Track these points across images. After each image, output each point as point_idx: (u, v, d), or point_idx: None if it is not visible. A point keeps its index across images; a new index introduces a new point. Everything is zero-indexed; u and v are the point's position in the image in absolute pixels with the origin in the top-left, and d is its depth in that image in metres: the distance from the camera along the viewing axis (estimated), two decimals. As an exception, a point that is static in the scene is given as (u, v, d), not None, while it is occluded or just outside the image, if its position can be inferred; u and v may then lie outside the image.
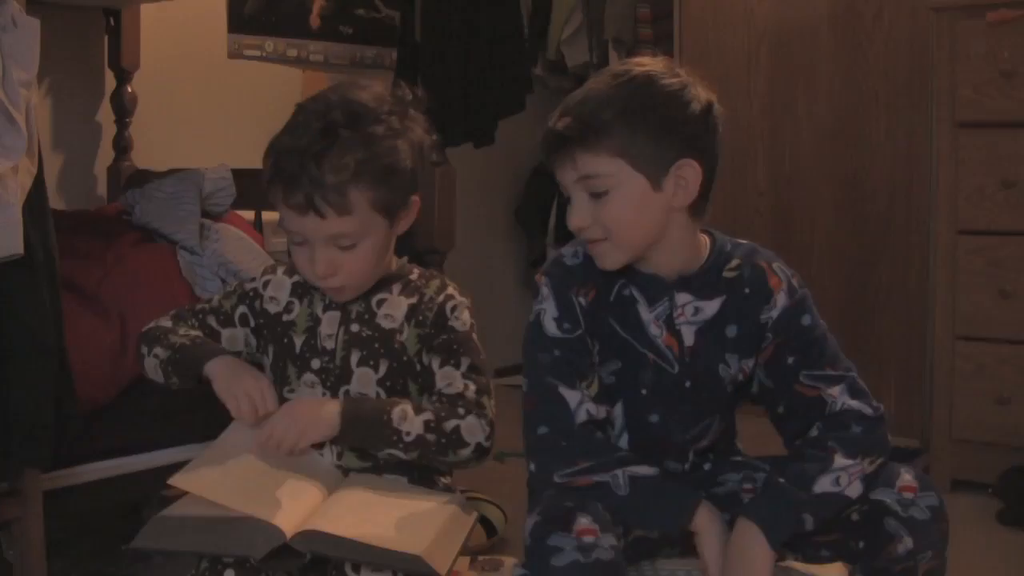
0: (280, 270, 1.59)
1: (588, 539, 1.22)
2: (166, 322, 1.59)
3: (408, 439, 1.42)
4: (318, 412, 1.44)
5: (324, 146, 1.41)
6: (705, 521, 1.31)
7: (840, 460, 1.31)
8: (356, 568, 1.30)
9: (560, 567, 1.21)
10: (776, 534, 1.28)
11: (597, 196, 1.33)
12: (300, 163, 1.40)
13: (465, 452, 1.44)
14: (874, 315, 3.24)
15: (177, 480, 1.39)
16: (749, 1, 3.40)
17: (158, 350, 1.54)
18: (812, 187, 3.33)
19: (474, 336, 1.52)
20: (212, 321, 1.59)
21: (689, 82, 1.36)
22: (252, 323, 1.58)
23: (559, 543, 1.22)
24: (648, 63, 1.37)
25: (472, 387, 1.47)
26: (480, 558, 1.62)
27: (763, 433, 1.55)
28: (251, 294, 1.58)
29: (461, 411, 1.45)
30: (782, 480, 1.31)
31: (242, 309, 1.58)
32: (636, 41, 3.88)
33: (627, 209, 1.33)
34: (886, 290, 3.22)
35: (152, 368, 1.56)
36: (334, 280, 1.46)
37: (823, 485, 1.29)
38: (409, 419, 1.42)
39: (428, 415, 1.43)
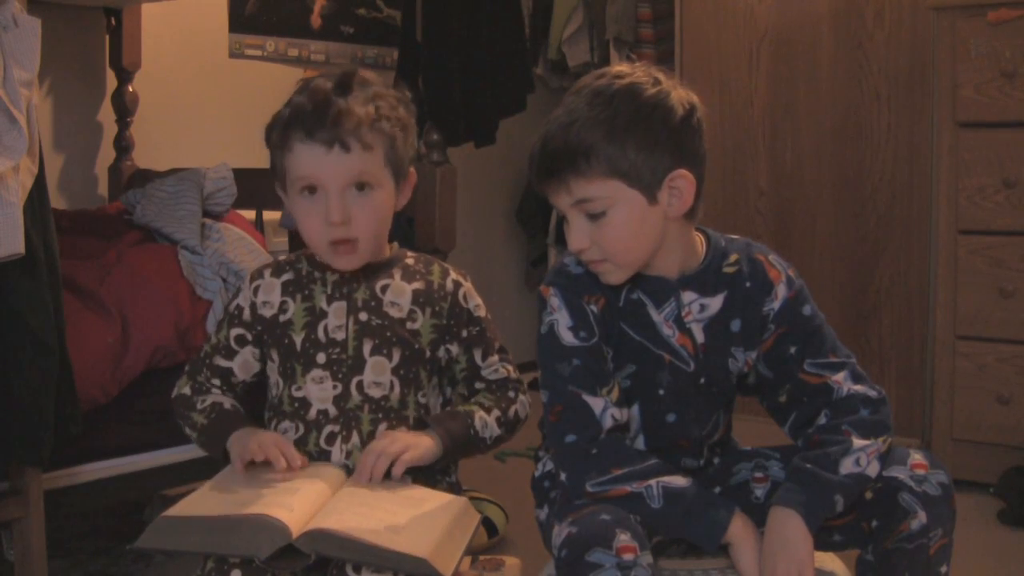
0: (267, 272, 1.58)
1: (628, 557, 1.22)
2: (186, 389, 1.60)
3: (491, 442, 1.54)
4: (416, 439, 1.46)
5: (346, 89, 1.48)
6: (740, 532, 1.31)
7: (858, 442, 1.33)
8: (357, 568, 1.30)
9: None
10: (814, 517, 1.29)
11: (594, 218, 1.33)
12: (327, 98, 1.46)
13: (519, 427, 1.59)
14: (874, 314, 3.24)
15: (171, 511, 1.38)
16: (750, 0, 3.40)
17: (187, 429, 1.59)
18: (813, 187, 3.33)
19: (489, 316, 1.60)
20: (219, 361, 1.59)
21: (669, 88, 1.34)
22: (251, 336, 1.57)
23: (599, 560, 1.22)
24: (627, 73, 1.35)
25: (510, 368, 1.60)
26: (481, 558, 1.62)
27: (758, 433, 1.55)
28: (236, 312, 1.58)
29: (512, 394, 1.58)
30: (809, 465, 1.32)
31: (236, 332, 1.58)
32: (637, 41, 3.88)
33: (626, 228, 1.33)
34: (886, 290, 3.22)
35: (191, 438, 1.60)
36: (346, 230, 1.47)
37: (847, 466, 1.32)
38: (488, 425, 1.53)
39: (497, 412, 1.54)
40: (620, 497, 1.31)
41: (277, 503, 1.34)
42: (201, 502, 1.38)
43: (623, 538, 1.23)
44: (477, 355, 1.57)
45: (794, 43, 3.34)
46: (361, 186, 1.47)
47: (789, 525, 1.29)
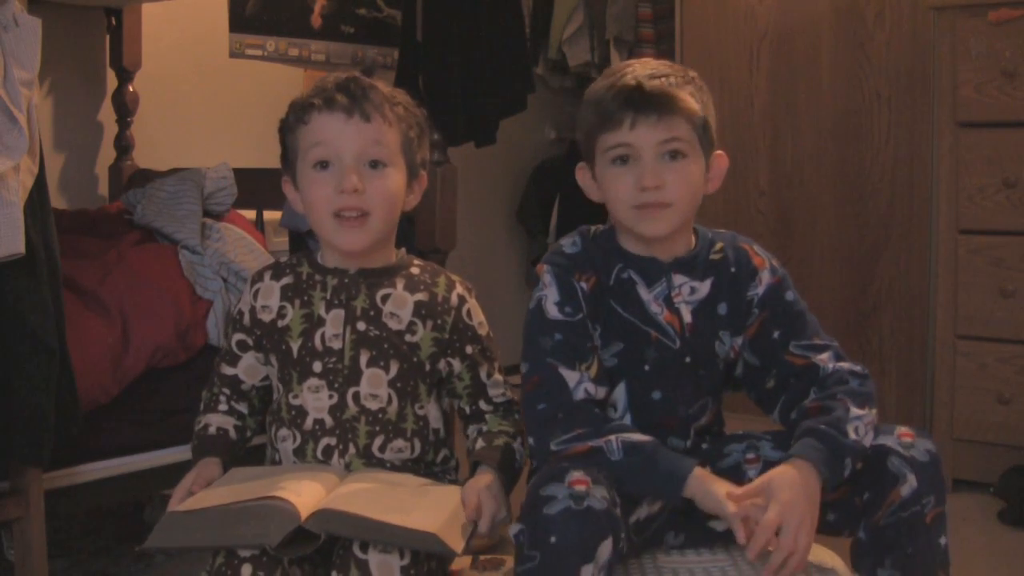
0: (267, 275, 1.57)
1: (580, 488, 1.24)
2: (201, 404, 1.61)
3: (523, 467, 1.55)
4: (495, 490, 1.45)
5: (369, 74, 1.51)
6: (700, 484, 1.31)
7: (854, 410, 1.35)
8: (364, 548, 1.29)
9: (552, 515, 1.22)
10: (831, 476, 1.30)
11: (675, 157, 1.39)
12: (350, 76, 1.48)
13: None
14: (875, 314, 3.24)
15: (177, 507, 1.39)
16: (750, 0, 3.40)
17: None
18: (813, 186, 3.33)
19: (491, 334, 1.59)
20: (226, 369, 1.59)
21: None
22: (251, 341, 1.57)
23: (552, 492, 1.24)
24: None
25: (510, 391, 1.59)
26: (482, 558, 1.63)
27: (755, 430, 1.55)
28: (238, 317, 1.58)
29: (517, 416, 1.57)
30: (823, 426, 1.33)
31: (238, 337, 1.58)
32: (637, 40, 3.88)
33: (694, 177, 1.41)
34: (887, 289, 3.21)
35: None
36: (358, 199, 1.45)
37: (851, 433, 1.33)
38: (521, 453, 1.54)
39: (519, 439, 1.54)
40: (582, 453, 1.33)
41: (284, 490, 1.34)
42: (206, 499, 1.38)
43: (576, 475, 1.26)
44: (482, 373, 1.57)
45: (794, 43, 3.33)
46: (375, 164, 1.47)
47: (810, 478, 1.28)
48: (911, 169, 3.14)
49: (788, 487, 1.27)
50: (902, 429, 1.36)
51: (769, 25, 3.38)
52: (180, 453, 2.01)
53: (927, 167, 3.05)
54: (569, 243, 1.47)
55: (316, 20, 3.42)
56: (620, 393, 1.44)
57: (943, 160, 2.73)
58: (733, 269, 1.47)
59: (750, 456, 1.45)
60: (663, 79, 1.39)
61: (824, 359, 1.42)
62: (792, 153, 3.37)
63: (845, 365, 1.42)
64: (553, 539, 1.21)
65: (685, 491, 1.31)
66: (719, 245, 1.48)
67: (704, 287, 1.45)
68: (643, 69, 1.40)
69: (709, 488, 1.31)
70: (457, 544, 1.31)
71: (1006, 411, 2.66)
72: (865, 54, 3.20)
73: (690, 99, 1.40)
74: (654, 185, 1.37)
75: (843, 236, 3.28)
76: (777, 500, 1.26)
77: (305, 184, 1.49)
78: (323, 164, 1.47)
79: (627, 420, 1.44)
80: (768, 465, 1.40)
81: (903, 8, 3.11)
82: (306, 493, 1.35)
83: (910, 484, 1.30)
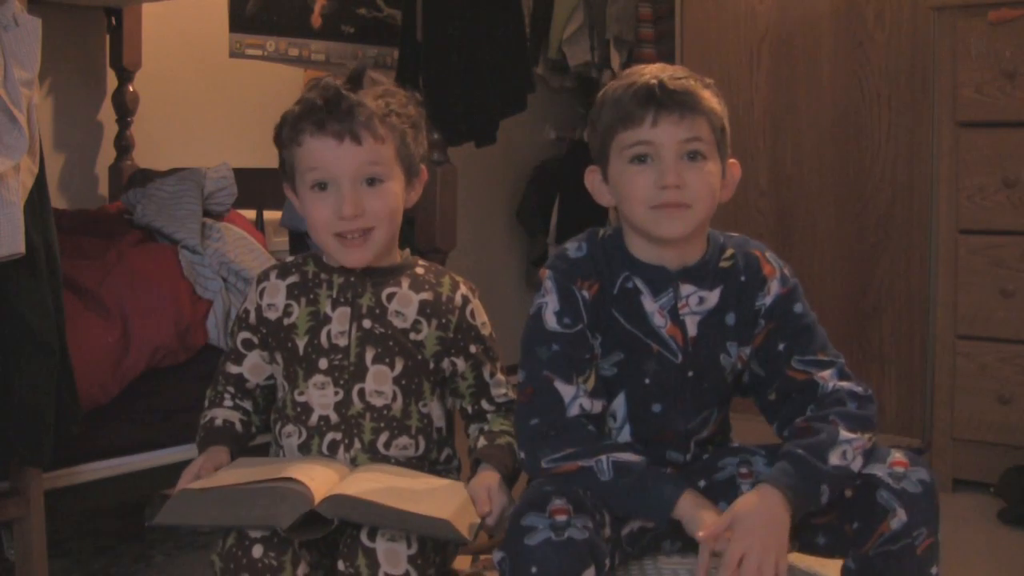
0: (273, 274, 1.58)
1: (561, 519, 1.23)
2: (206, 400, 1.61)
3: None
4: (496, 487, 1.45)
5: (356, 85, 1.48)
6: (689, 509, 1.30)
7: (844, 433, 1.32)
8: (371, 536, 1.30)
9: (532, 546, 1.22)
10: (800, 503, 1.28)
11: (695, 158, 1.37)
12: (337, 92, 1.46)
13: None
14: (875, 314, 3.24)
15: (192, 484, 1.39)
16: (750, 0, 3.40)
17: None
18: (813, 186, 3.33)
19: (493, 335, 1.59)
20: (231, 367, 1.59)
21: None
22: (257, 339, 1.57)
23: (532, 523, 1.24)
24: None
25: (512, 391, 1.57)
26: (482, 557, 1.63)
27: (760, 433, 1.56)
28: (244, 315, 1.58)
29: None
30: (800, 451, 1.30)
31: (243, 335, 1.58)
32: (637, 40, 3.88)
33: (712, 180, 1.39)
34: (887, 289, 3.21)
35: None
36: (360, 221, 1.46)
37: (834, 458, 1.30)
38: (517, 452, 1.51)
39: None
40: (571, 472, 1.32)
41: (298, 473, 1.35)
42: (217, 480, 1.39)
43: (557, 502, 1.25)
44: (485, 372, 1.57)
45: (794, 43, 3.33)
46: (372, 180, 1.47)
47: (775, 505, 1.27)
48: (911, 169, 3.14)
49: (748, 518, 1.26)
50: (896, 456, 1.33)
51: (769, 25, 3.38)
52: (180, 453, 2.01)
53: (927, 167, 3.06)
54: (575, 247, 1.44)
55: (316, 20, 3.42)
56: (620, 404, 1.43)
57: (943, 160, 2.73)
58: (743, 278, 1.44)
59: (743, 471, 1.43)
60: (684, 80, 1.38)
61: (825, 376, 1.39)
62: (792, 153, 3.37)
63: (846, 384, 1.39)
64: (534, 570, 1.21)
65: (674, 514, 1.31)
66: (729, 252, 1.45)
67: (713, 297, 1.42)
68: (663, 71, 1.39)
69: (695, 516, 1.30)
70: (468, 533, 1.32)
71: (1006, 411, 2.66)
72: (865, 54, 3.20)
73: (713, 99, 1.39)
74: (675, 184, 1.35)
75: (843, 236, 3.28)
76: (737, 535, 1.25)
77: (305, 203, 1.50)
78: (321, 185, 1.47)
79: (626, 431, 1.43)
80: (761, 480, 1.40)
81: (903, 8, 3.11)
82: (319, 478, 1.36)
83: (899, 518, 1.27)
